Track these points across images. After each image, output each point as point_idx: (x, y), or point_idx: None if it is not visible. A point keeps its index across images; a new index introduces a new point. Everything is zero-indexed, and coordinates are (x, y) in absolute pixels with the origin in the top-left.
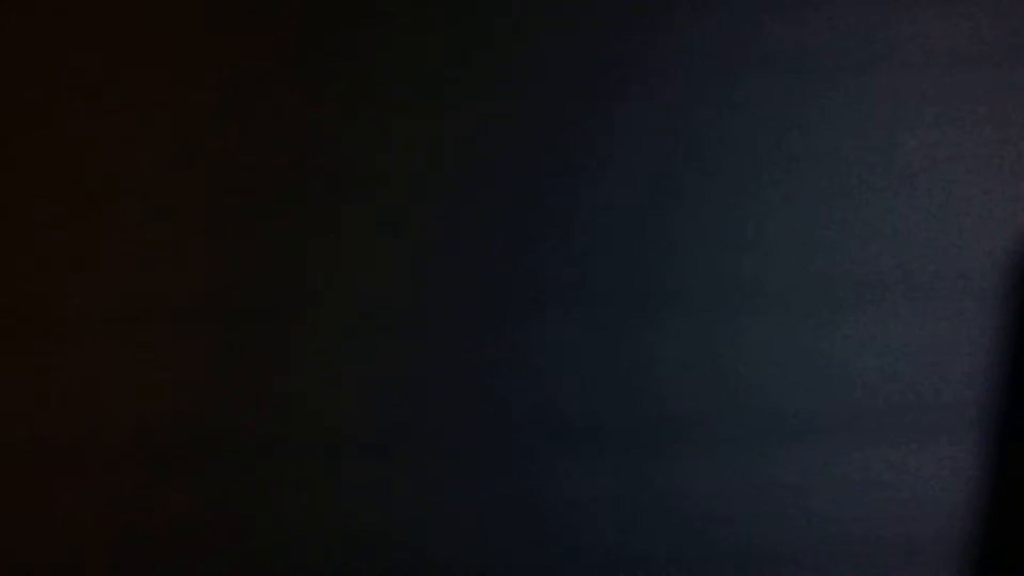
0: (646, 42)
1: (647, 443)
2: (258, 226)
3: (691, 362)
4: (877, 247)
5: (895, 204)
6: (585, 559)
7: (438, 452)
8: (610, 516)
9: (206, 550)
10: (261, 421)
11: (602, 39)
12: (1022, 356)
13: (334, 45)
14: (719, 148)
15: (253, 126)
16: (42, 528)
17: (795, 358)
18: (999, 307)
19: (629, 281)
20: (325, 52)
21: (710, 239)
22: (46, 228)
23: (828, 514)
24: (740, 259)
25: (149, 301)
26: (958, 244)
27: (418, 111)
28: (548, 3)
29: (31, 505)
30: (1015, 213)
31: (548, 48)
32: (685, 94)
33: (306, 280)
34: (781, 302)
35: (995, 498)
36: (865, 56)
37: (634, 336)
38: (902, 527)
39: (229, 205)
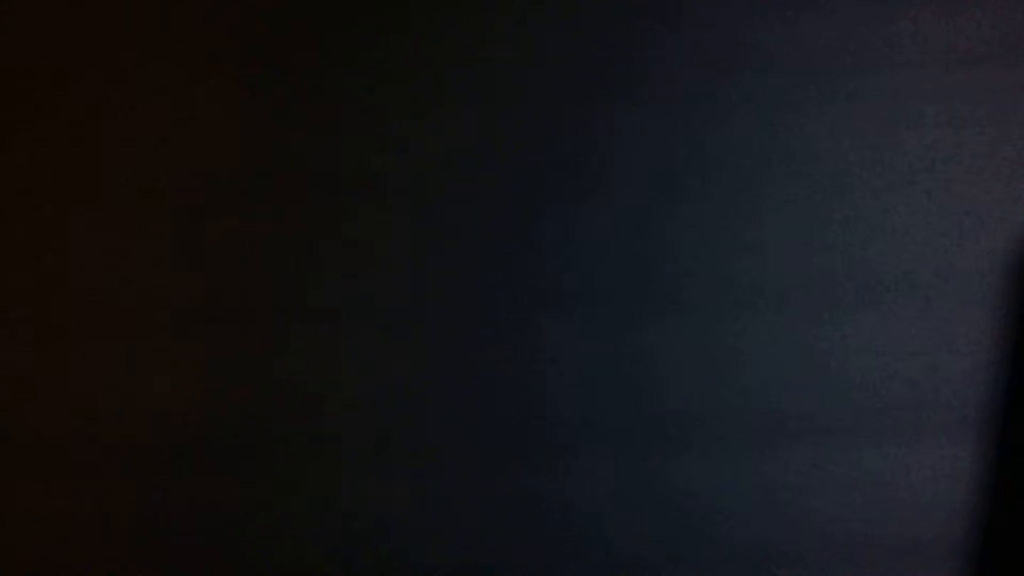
0: (646, 42)
1: (647, 443)
2: (258, 226)
3: (691, 362)
4: (877, 247)
5: (895, 204)
6: (585, 559)
7: (438, 452)
8: (610, 516)
9: (205, 550)
10: (261, 421)
11: (602, 39)
12: (1022, 356)
13: (334, 45)
14: (719, 148)
15: (253, 126)
16: (42, 528)
17: (795, 358)
18: (999, 307)
19: (629, 281)
20: (325, 52)
21: (710, 239)
22: (46, 228)
23: (828, 514)
24: (740, 259)
25: (149, 301)
26: (958, 244)
27: (418, 111)
28: (548, 3)
29: (31, 505)
30: (1015, 213)
31: (548, 48)
32: (685, 94)
33: (306, 280)
34: (781, 302)
35: (995, 498)
36: (865, 56)
37: (634, 336)
38: (902, 527)
39: (229, 205)
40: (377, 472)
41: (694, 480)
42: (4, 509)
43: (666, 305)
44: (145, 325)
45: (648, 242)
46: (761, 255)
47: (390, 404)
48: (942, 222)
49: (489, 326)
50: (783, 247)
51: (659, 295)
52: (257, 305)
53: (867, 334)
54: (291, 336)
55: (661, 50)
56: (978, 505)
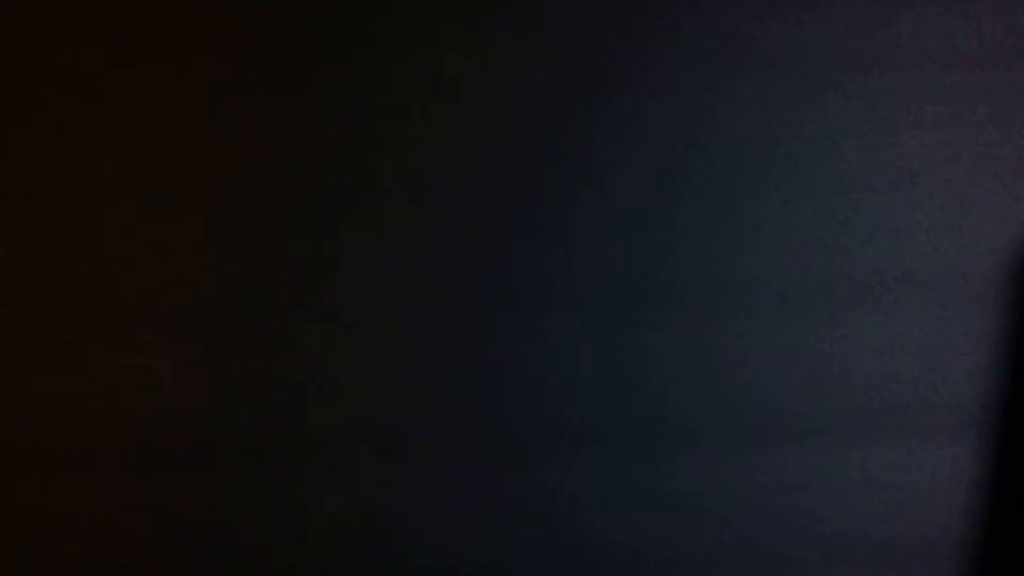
0: (646, 42)
1: (647, 443)
2: (258, 226)
3: (691, 362)
4: (877, 247)
5: (895, 204)
6: (585, 559)
7: (438, 452)
8: (610, 516)
9: (206, 550)
10: (261, 421)
11: (602, 39)
12: (1022, 356)
13: (334, 45)
14: (719, 148)
15: (253, 126)
16: (42, 528)
17: (795, 358)
18: (999, 307)
19: (629, 281)
20: (325, 52)
21: (710, 239)
22: (46, 228)
23: (828, 514)
24: (740, 259)
25: (149, 301)
26: (958, 244)
27: (418, 111)
28: (548, 3)
29: (31, 505)
30: (1015, 213)
31: (548, 48)
32: (685, 94)
33: (306, 281)
34: (781, 302)
35: (995, 498)
36: (865, 56)
37: (634, 336)
38: (902, 527)
39: (229, 205)
40: (377, 472)
41: (694, 480)
42: (4, 509)
43: (666, 305)
44: (145, 325)
45: (648, 242)
46: (761, 255)
47: (390, 404)
48: (942, 222)
49: (489, 326)
50: (783, 247)
51: (659, 295)
52: (257, 305)
53: (867, 334)
54: (292, 336)
55: (661, 50)
56: (978, 505)
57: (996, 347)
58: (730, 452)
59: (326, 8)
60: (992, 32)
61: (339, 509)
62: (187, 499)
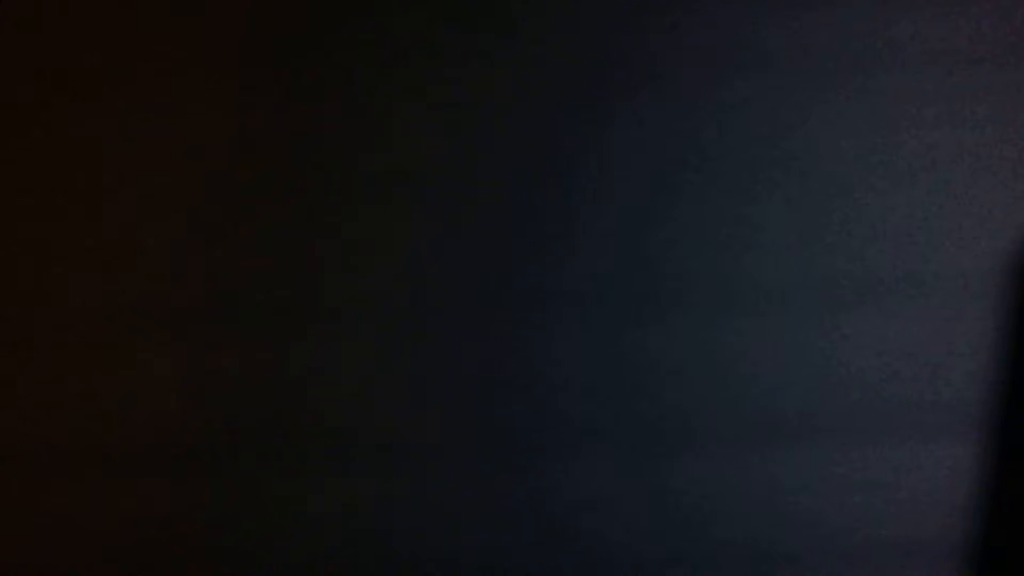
0: (646, 42)
1: (647, 443)
2: (258, 226)
3: (691, 362)
4: (877, 247)
5: (895, 204)
6: (585, 559)
7: (439, 452)
8: (610, 516)
9: (205, 550)
10: (261, 421)
11: (602, 39)
12: (1022, 356)
13: (334, 44)
14: (719, 148)
15: (253, 125)
16: (42, 529)
17: (795, 358)
18: (999, 307)
19: (629, 281)
20: (325, 51)
21: (710, 239)
22: (45, 228)
23: (828, 514)
24: (740, 259)
25: (149, 301)
26: (958, 244)
27: (418, 110)
28: (548, 3)
29: (31, 506)
30: (1015, 213)
31: (548, 48)
32: (685, 94)
33: (306, 280)
34: (781, 302)
35: (995, 498)
36: (865, 56)
37: (634, 336)
38: (902, 527)
39: (229, 205)
40: (377, 472)
41: (694, 480)
42: (4, 509)
43: (667, 305)
44: (145, 325)
45: (648, 242)
46: (761, 255)
47: (391, 404)
48: (942, 222)
49: (489, 326)
50: (783, 247)
51: (660, 295)
52: (257, 305)
53: (867, 334)
54: (291, 336)
55: (661, 50)
56: (978, 505)
57: (996, 347)
58: (730, 452)
59: (326, 8)
60: (992, 32)
61: (338, 509)
62: (187, 499)
